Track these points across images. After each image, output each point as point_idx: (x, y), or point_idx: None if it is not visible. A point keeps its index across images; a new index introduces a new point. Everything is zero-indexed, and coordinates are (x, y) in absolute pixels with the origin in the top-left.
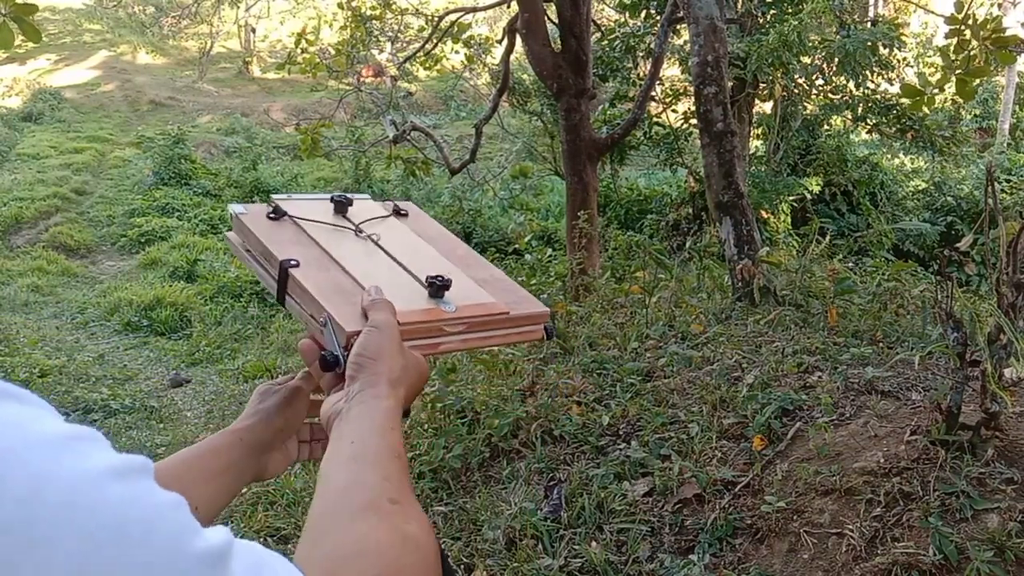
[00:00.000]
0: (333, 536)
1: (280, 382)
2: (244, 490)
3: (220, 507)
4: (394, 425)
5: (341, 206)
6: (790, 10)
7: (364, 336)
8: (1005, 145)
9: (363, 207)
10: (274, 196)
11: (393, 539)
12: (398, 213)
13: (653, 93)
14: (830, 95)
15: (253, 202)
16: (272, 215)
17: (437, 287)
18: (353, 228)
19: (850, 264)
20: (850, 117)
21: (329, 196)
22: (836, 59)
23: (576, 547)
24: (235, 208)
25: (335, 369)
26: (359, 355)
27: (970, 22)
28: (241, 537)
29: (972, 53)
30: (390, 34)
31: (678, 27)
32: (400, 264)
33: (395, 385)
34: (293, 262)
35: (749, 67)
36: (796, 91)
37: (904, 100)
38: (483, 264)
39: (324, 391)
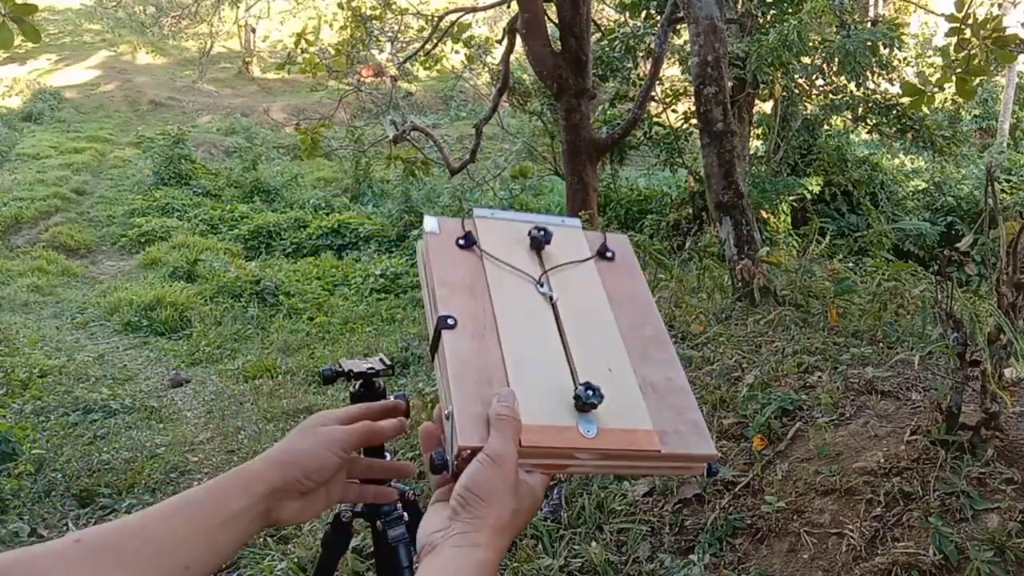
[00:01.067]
0: None
1: (337, 416)
2: None
3: (222, 561)
4: None
5: (537, 242)
6: (790, 10)
7: (476, 468)
8: (1005, 145)
9: (565, 240)
10: (476, 212)
11: None
12: (603, 255)
13: (653, 93)
14: (830, 95)
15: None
16: (462, 242)
17: (583, 402)
18: (536, 280)
19: (850, 264)
20: (850, 117)
21: (532, 223)
22: (836, 59)
23: (576, 547)
24: (429, 225)
25: (443, 473)
26: (466, 488)
27: (970, 22)
28: None
29: (972, 53)
30: (390, 34)
31: (678, 27)
32: (564, 345)
33: (500, 533)
34: (451, 320)
35: (749, 67)
36: (796, 91)
37: (904, 100)
38: (665, 357)
39: (432, 487)
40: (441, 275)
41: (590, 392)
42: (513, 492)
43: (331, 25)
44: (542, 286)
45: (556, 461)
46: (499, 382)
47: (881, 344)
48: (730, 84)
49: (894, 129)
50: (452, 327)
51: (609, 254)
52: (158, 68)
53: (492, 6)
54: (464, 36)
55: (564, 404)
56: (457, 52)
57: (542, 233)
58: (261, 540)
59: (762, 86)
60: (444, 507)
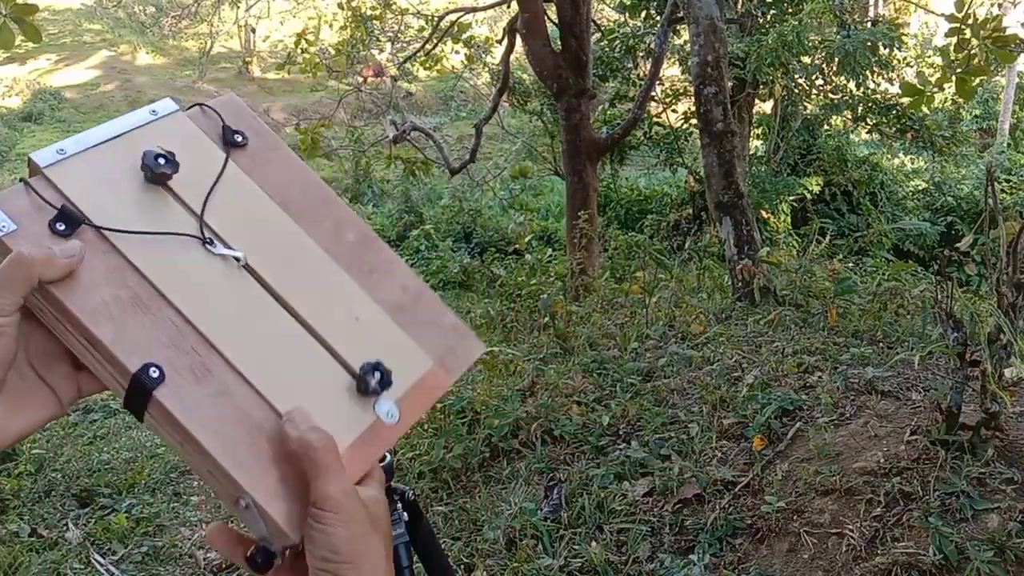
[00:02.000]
0: None
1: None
2: None
3: None
4: None
5: (159, 175)
6: (790, 10)
7: (323, 530)
8: (1005, 145)
9: (180, 146)
10: (38, 159)
11: None
12: (233, 143)
13: (653, 93)
14: (830, 95)
15: None
16: (62, 227)
17: (372, 389)
18: (202, 239)
19: (850, 264)
20: (850, 117)
21: (123, 139)
22: (836, 59)
23: (576, 547)
24: None
25: (273, 565)
26: (327, 560)
27: (970, 21)
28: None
29: (972, 53)
30: (390, 34)
31: (678, 27)
32: (297, 318)
33: None
34: (154, 371)
35: (749, 67)
36: (796, 91)
37: (904, 100)
38: (384, 258)
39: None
40: (76, 303)
41: (378, 374)
42: (371, 528)
43: (331, 25)
44: (213, 244)
45: (373, 463)
46: (267, 420)
47: (881, 344)
48: (730, 84)
49: (894, 129)
50: (162, 380)
51: (239, 138)
52: (158, 68)
53: (492, 6)
54: (464, 36)
55: (347, 395)
56: (457, 52)
57: (162, 160)
58: None
59: (762, 86)
60: None
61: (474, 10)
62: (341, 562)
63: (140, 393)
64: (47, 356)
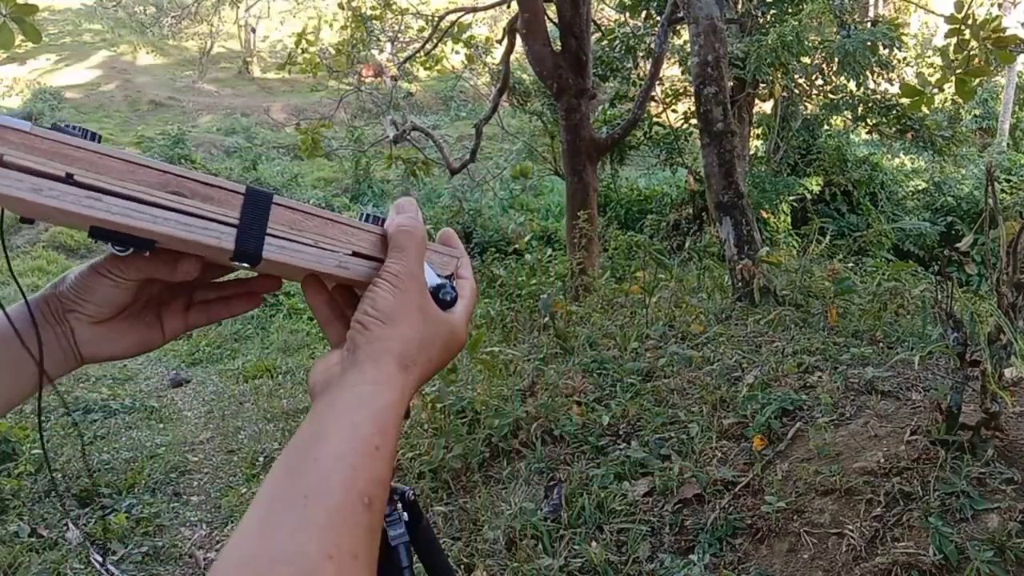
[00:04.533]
0: None
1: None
2: (244, 490)
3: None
4: (384, 439)
5: None
6: (790, 10)
7: (377, 289)
8: (1005, 145)
9: None
10: None
11: None
12: None
13: (653, 93)
14: (830, 95)
15: None
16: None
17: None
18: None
19: (850, 264)
20: (850, 117)
21: None
22: (836, 59)
23: (576, 547)
24: None
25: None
26: (365, 313)
27: (970, 22)
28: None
29: (972, 53)
30: (390, 34)
31: (678, 27)
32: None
33: (405, 367)
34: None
35: (749, 67)
36: (796, 91)
37: (904, 100)
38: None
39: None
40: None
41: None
42: (421, 317)
43: (331, 25)
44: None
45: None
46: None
47: (881, 344)
48: (730, 84)
49: (894, 129)
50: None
51: None
52: (158, 68)
53: (492, 6)
54: (464, 36)
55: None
56: (457, 52)
57: None
58: None
59: (762, 86)
60: (338, 351)
61: (474, 10)
62: (375, 320)
63: (265, 205)
64: (164, 296)
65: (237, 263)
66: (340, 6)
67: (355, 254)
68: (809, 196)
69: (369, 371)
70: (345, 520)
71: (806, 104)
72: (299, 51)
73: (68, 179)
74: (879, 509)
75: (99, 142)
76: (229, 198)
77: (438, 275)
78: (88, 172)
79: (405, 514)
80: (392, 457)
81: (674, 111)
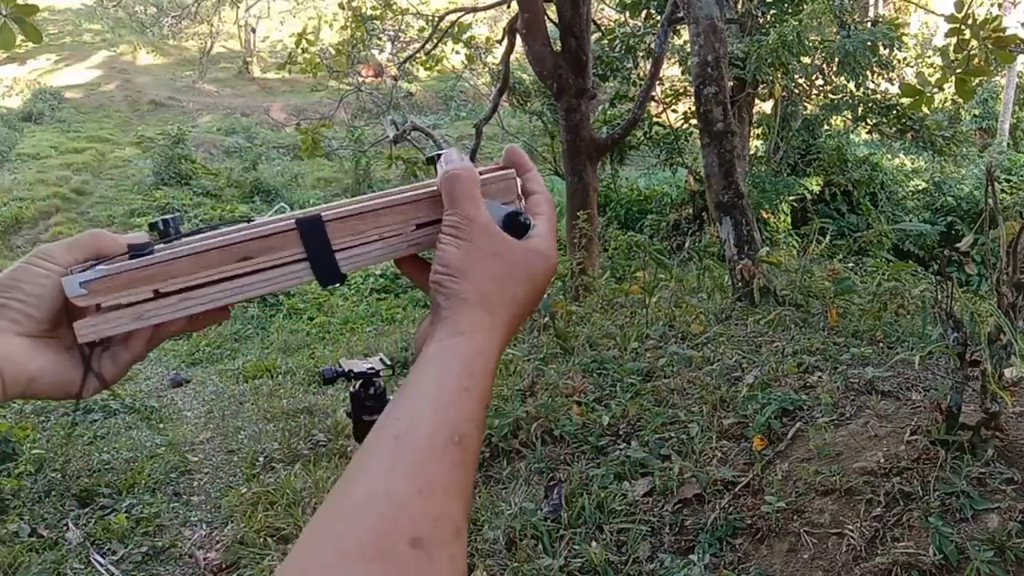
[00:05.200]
0: None
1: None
2: (244, 490)
3: None
4: (473, 381)
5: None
6: (790, 10)
7: (441, 246)
8: (1005, 145)
9: None
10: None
11: None
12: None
13: (653, 93)
14: (830, 95)
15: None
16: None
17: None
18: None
19: (850, 264)
20: (850, 117)
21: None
22: (836, 59)
23: (576, 547)
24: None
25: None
26: (436, 272)
27: (970, 22)
28: (241, 538)
29: (972, 53)
30: (390, 34)
31: (678, 27)
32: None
33: (489, 309)
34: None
35: (749, 67)
36: (796, 91)
37: (904, 100)
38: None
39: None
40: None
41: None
42: (493, 258)
43: (331, 25)
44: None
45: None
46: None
47: (881, 344)
48: (730, 84)
49: (894, 129)
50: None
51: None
52: (158, 68)
53: (492, 6)
54: (464, 36)
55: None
56: (457, 52)
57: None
58: (261, 540)
59: (762, 86)
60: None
61: (474, 10)
62: (447, 275)
63: (312, 225)
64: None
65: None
66: (340, 6)
67: (419, 226)
68: (809, 196)
69: (452, 324)
70: (435, 457)
71: (806, 104)
72: (299, 51)
73: (157, 295)
74: (879, 509)
75: (176, 228)
76: (286, 239)
77: (503, 204)
78: (167, 281)
79: None
80: (484, 398)
81: (674, 111)
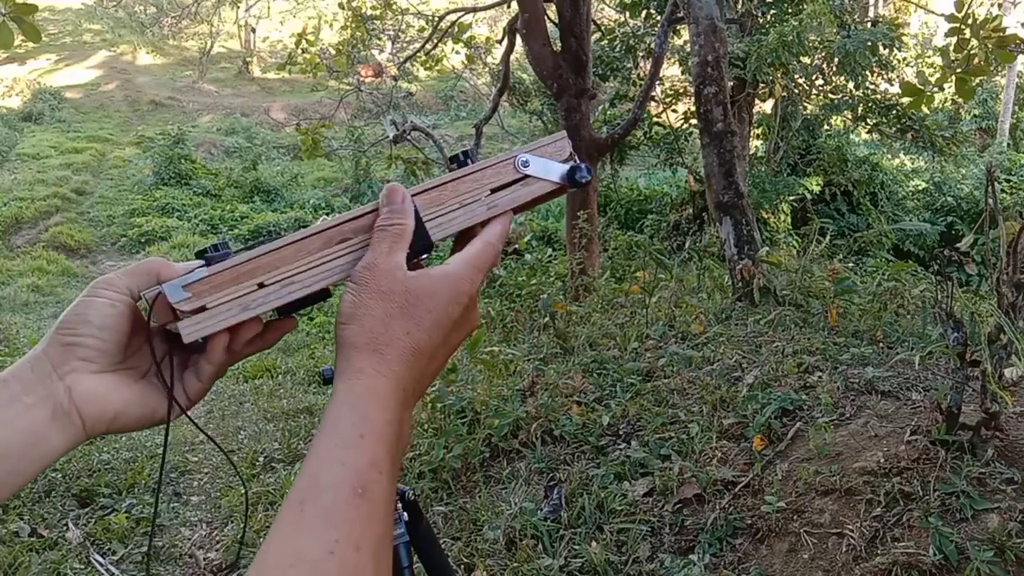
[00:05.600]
0: None
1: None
2: (244, 489)
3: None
4: (368, 426)
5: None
6: (790, 10)
7: (343, 299)
8: (1005, 145)
9: None
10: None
11: None
12: None
13: (653, 93)
14: (830, 95)
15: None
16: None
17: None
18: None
19: (850, 264)
20: (850, 117)
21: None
22: (836, 59)
23: (576, 547)
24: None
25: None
26: (336, 326)
27: (970, 22)
28: (242, 538)
29: (972, 53)
30: (390, 34)
31: (678, 27)
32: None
33: (376, 350)
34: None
35: (749, 67)
36: (796, 91)
37: (904, 100)
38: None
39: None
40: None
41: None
42: (382, 299)
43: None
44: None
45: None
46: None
47: (881, 344)
48: (730, 84)
49: (894, 129)
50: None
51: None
52: (158, 68)
53: (492, 6)
54: (464, 36)
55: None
56: (457, 52)
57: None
58: (261, 540)
59: (762, 86)
60: None
61: (474, 10)
62: (339, 322)
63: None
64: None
65: (420, 261)
66: (340, 6)
67: (493, 191)
68: (809, 196)
69: (341, 371)
70: (340, 514)
71: (806, 104)
72: (299, 51)
73: (261, 286)
74: (879, 509)
75: (226, 249)
76: (375, 217)
77: (561, 162)
78: (271, 272)
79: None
80: (386, 439)
81: (674, 111)
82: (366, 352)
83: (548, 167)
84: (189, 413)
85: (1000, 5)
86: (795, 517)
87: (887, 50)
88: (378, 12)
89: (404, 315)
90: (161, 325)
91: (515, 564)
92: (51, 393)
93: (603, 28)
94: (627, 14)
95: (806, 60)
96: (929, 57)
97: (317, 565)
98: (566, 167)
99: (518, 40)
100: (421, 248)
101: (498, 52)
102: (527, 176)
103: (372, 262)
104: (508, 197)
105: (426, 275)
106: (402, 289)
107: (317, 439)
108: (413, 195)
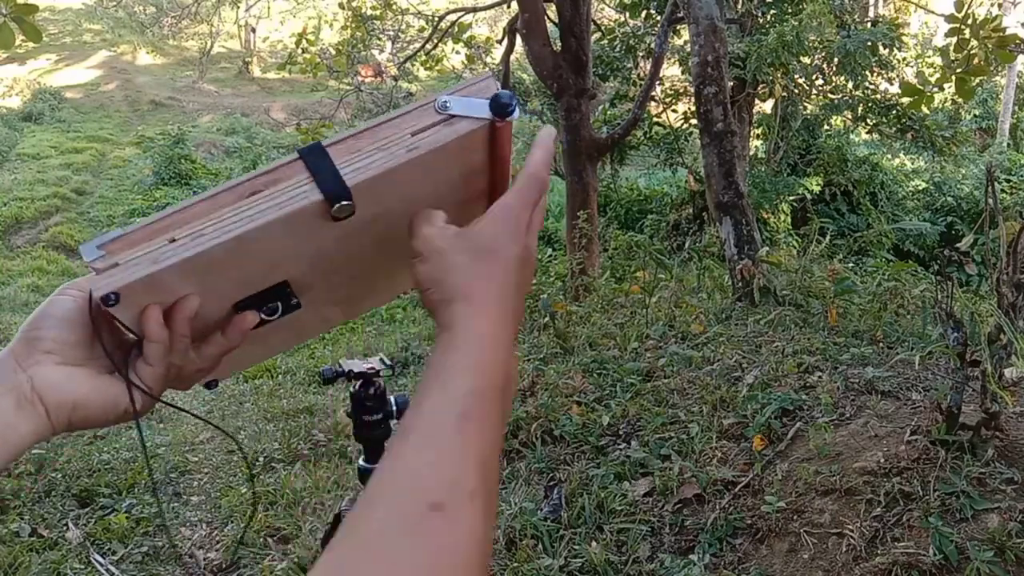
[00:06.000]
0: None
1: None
2: (244, 490)
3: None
4: (469, 360)
5: None
6: (790, 10)
7: (413, 264)
8: (1005, 145)
9: None
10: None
11: (421, 570)
12: None
13: (653, 93)
14: (830, 95)
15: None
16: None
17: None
18: None
19: (850, 264)
20: (850, 117)
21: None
22: (836, 59)
23: (576, 547)
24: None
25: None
26: (421, 293)
27: (970, 22)
28: (242, 538)
29: (972, 53)
30: (390, 34)
31: (678, 27)
32: None
33: (470, 298)
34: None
35: (749, 67)
36: (796, 91)
37: (904, 100)
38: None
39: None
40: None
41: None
42: (454, 255)
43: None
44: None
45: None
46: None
47: (881, 344)
48: (730, 84)
49: (894, 129)
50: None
51: None
52: (158, 68)
53: (492, 6)
54: (464, 36)
55: None
56: (458, 52)
57: None
58: (261, 540)
59: (762, 86)
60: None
61: (474, 10)
62: (425, 289)
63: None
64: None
65: (339, 211)
66: (340, 6)
67: (414, 133)
68: (809, 196)
69: (444, 324)
70: (441, 432)
71: (806, 104)
72: (299, 51)
73: (172, 241)
74: (879, 509)
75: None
76: (291, 168)
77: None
78: (183, 228)
79: None
80: (491, 373)
81: (674, 111)
82: (457, 304)
83: (470, 105)
84: (190, 414)
85: (1000, 5)
86: (795, 517)
87: (887, 50)
88: (378, 12)
89: (474, 262)
90: (102, 311)
91: (515, 564)
92: (15, 384)
93: (603, 28)
94: (627, 14)
95: (806, 60)
96: (929, 57)
97: (422, 473)
98: (487, 101)
99: (518, 40)
100: (336, 196)
101: (498, 52)
102: (451, 116)
103: (423, 236)
104: (431, 138)
105: (477, 222)
106: (462, 242)
107: (421, 383)
108: (327, 145)
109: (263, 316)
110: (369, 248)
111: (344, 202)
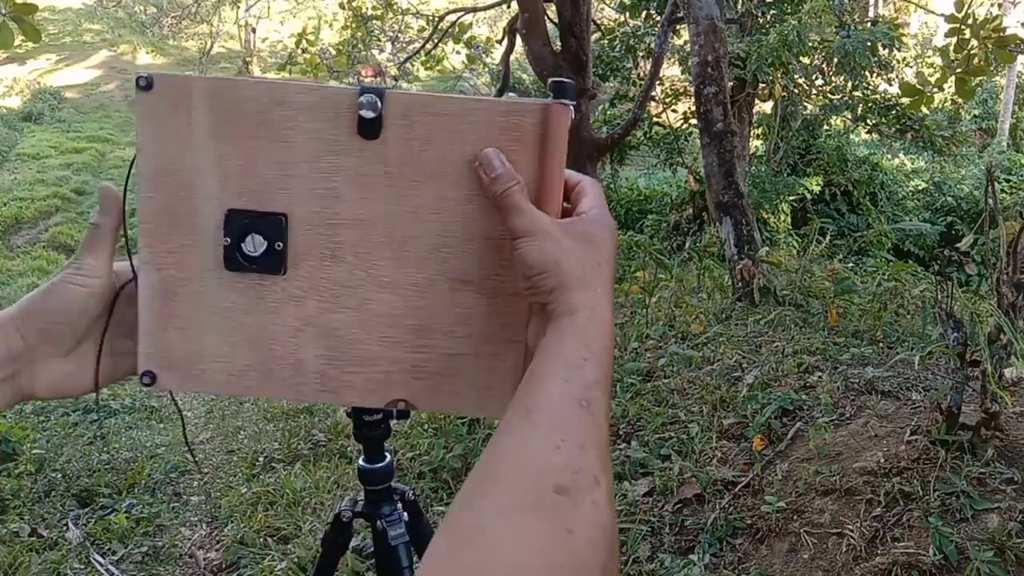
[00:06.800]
0: (477, 541)
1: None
2: (244, 490)
3: None
4: (588, 352)
5: None
6: (790, 10)
7: (518, 248)
8: (1005, 145)
9: None
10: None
11: (547, 547)
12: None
13: (653, 93)
14: (830, 95)
15: None
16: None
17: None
18: None
19: (850, 264)
20: (850, 117)
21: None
22: (836, 59)
23: None
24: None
25: None
26: (527, 277)
27: (970, 21)
28: (241, 538)
29: (972, 53)
30: (391, 34)
31: (678, 27)
32: None
33: (585, 283)
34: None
35: (749, 67)
36: (796, 91)
37: (904, 100)
38: None
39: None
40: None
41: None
42: (566, 240)
43: (331, 25)
44: None
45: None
46: None
47: (881, 344)
48: (730, 84)
49: (894, 129)
50: None
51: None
52: (158, 68)
53: (492, 6)
54: (464, 36)
55: None
56: (458, 52)
57: None
58: (261, 540)
59: (762, 86)
60: None
61: (474, 10)
62: (538, 273)
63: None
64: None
65: (367, 103)
66: (340, 6)
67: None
68: (809, 196)
69: (563, 309)
70: (565, 419)
71: (806, 104)
72: (299, 51)
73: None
74: (879, 509)
75: None
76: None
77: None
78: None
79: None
80: (603, 362)
81: (674, 111)
82: (579, 288)
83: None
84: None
85: (1000, 5)
86: (795, 517)
87: (887, 50)
88: (378, 12)
89: (588, 249)
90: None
91: None
92: (14, 373)
93: (603, 28)
94: (627, 14)
95: (806, 60)
96: (929, 57)
97: (547, 457)
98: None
99: (518, 40)
100: (364, 88)
101: (498, 52)
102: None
103: (526, 226)
104: (480, 96)
105: (579, 215)
106: (567, 228)
107: (539, 364)
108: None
109: (241, 249)
110: (391, 218)
111: (371, 95)
